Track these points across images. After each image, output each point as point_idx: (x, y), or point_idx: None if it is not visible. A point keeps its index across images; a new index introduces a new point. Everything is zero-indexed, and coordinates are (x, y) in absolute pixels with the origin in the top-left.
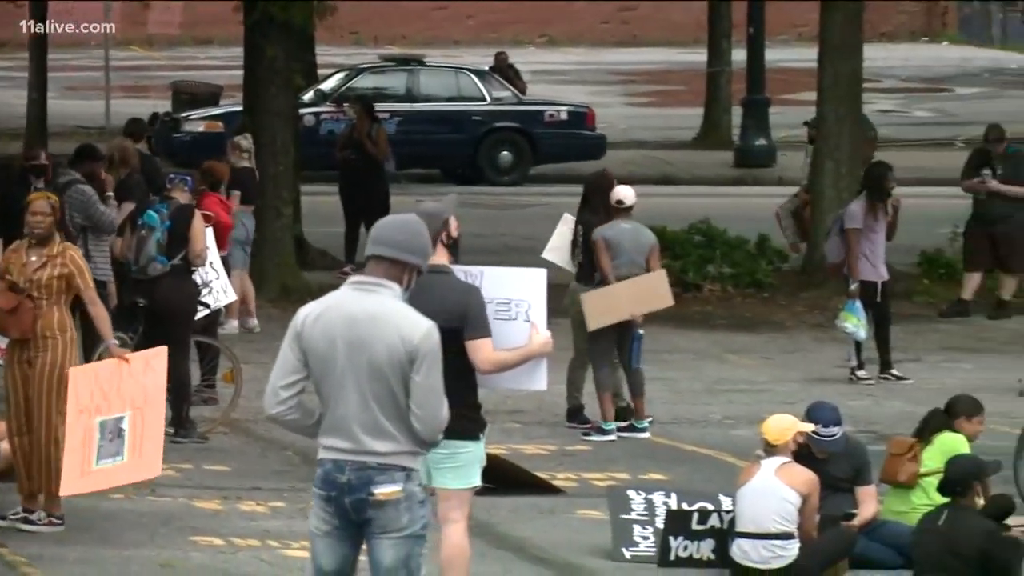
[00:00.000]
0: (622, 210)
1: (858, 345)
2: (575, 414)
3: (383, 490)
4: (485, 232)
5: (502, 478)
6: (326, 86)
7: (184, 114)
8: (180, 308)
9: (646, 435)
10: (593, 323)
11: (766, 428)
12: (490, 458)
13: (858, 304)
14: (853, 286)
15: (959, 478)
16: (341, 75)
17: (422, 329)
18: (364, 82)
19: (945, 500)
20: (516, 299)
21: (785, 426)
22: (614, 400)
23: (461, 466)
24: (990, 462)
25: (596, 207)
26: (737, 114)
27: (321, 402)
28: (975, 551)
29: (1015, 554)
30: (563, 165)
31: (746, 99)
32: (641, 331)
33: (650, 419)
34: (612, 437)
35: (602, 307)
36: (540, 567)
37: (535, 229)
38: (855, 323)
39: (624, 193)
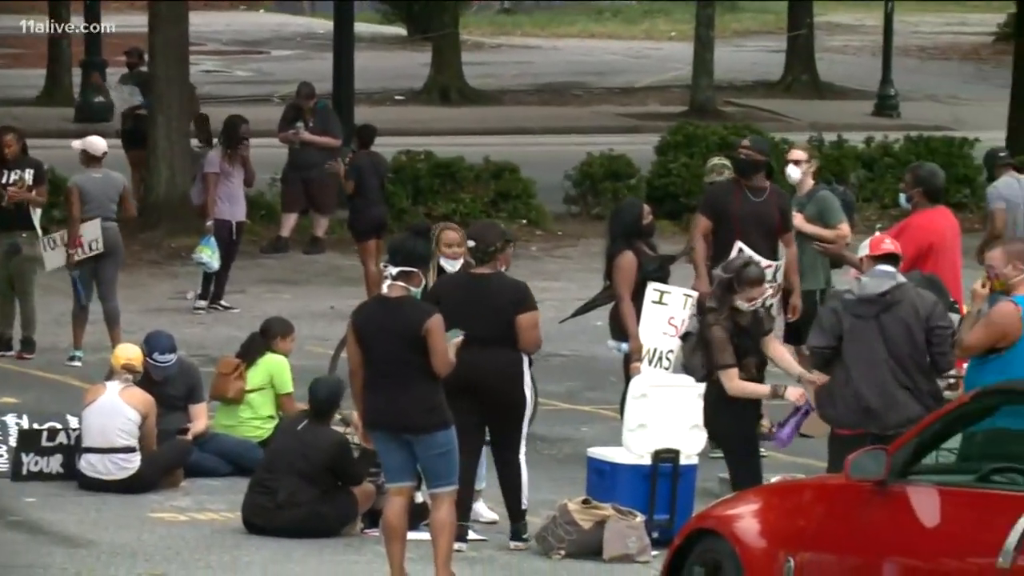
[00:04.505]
0: (93, 159)
1: (207, 278)
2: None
3: None
4: None
5: None
6: None
7: None
8: None
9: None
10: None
11: (119, 355)
12: None
13: (212, 239)
14: (209, 223)
15: (327, 397)
16: None
17: None
18: None
19: (307, 411)
20: None
21: (135, 354)
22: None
23: None
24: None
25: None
26: (78, 75)
27: None
28: (326, 459)
29: (359, 462)
30: None
31: (85, 61)
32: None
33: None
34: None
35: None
36: None
37: None
38: (208, 254)
39: (93, 144)
